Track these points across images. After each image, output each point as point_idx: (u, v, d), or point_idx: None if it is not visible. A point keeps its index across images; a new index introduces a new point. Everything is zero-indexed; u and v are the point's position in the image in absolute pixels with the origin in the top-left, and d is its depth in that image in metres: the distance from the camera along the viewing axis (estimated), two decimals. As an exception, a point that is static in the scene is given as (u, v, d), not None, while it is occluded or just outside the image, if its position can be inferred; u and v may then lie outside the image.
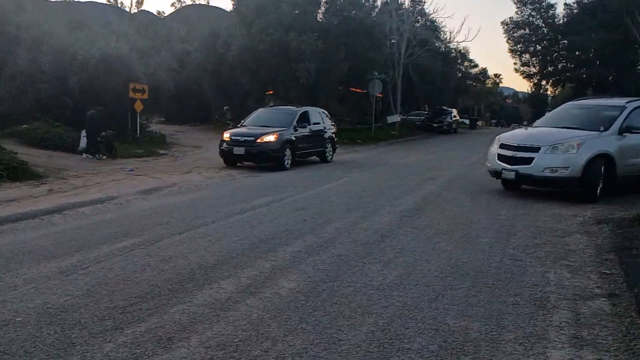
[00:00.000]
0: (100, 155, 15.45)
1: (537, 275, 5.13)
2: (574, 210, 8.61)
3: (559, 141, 9.56)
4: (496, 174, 10.30)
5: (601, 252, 6.02)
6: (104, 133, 16.07)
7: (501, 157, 10.13)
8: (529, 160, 9.60)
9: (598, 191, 9.43)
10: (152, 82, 20.58)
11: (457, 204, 9.08)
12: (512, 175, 9.85)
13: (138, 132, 19.71)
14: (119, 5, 40.70)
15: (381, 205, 8.82)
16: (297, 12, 27.90)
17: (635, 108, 10.03)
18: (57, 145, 15.81)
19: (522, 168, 9.66)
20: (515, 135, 10.63)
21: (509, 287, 4.74)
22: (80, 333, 3.69)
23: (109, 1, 42.38)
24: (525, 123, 27.40)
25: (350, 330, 3.77)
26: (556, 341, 3.67)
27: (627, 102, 10.24)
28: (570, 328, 3.89)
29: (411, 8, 36.82)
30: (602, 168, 9.42)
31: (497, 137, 10.81)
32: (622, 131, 9.64)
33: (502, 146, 10.28)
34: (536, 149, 9.59)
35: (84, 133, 16.30)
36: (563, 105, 12.33)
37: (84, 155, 15.42)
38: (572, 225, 7.51)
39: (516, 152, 9.85)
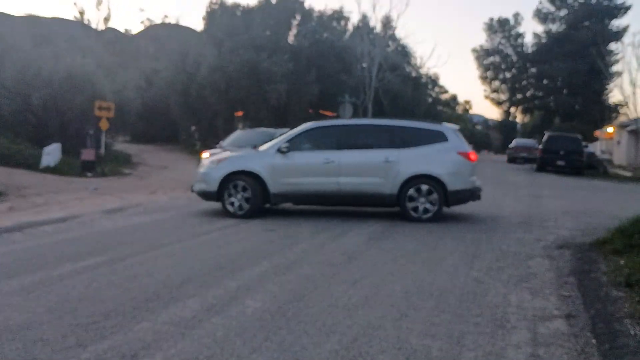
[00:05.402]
0: (90, 174, 15.51)
1: (499, 296, 5.25)
2: (537, 234, 8.81)
3: (213, 158, 10.26)
4: None
5: (561, 275, 6.19)
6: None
7: None
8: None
9: (237, 206, 9.50)
10: (119, 100, 20.42)
11: (424, 227, 9.19)
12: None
13: (103, 150, 19.45)
14: (86, 21, 40.23)
15: (349, 227, 8.89)
16: (268, 33, 28.23)
17: (311, 129, 10.05)
18: (18, 162, 15.48)
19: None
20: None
21: (471, 308, 4.85)
22: (43, 349, 3.65)
23: (75, 17, 41.89)
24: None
25: (315, 349, 3.81)
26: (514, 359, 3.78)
27: (309, 125, 10.24)
28: (528, 347, 4.00)
29: (382, 33, 37.54)
30: (244, 185, 9.48)
31: None
32: (283, 149, 9.60)
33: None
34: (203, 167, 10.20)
35: (46, 151, 16.06)
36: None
37: (89, 174, 15.53)
38: (535, 249, 7.68)
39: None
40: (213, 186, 9.62)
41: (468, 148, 9.97)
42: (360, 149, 9.83)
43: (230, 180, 9.55)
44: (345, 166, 9.60)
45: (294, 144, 9.69)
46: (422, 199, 9.55)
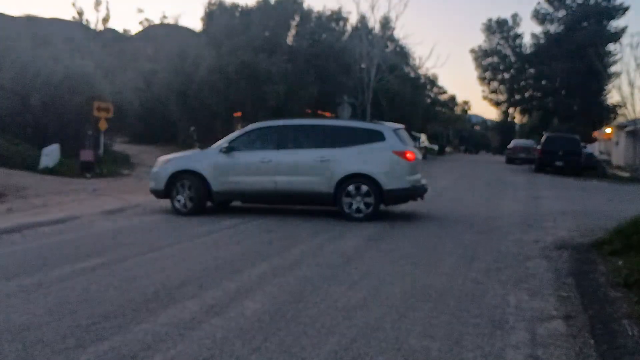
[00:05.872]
0: (89, 175, 15.51)
1: (498, 297, 5.26)
2: (535, 235, 8.81)
3: (164, 157, 10.64)
4: None
5: (560, 276, 6.19)
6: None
7: None
8: None
9: (183, 204, 9.84)
10: (117, 101, 20.37)
11: (422, 228, 9.22)
12: None
13: (102, 151, 19.42)
14: (84, 22, 40.17)
15: (348, 228, 8.88)
16: (267, 34, 28.17)
17: (253, 129, 10.29)
18: (17, 163, 15.44)
19: None
20: None
21: (470, 309, 4.85)
22: (43, 350, 3.65)
23: (74, 18, 41.79)
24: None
25: (314, 350, 3.81)
26: (513, 360, 3.79)
27: (253, 125, 10.52)
28: (527, 348, 4.01)
29: (381, 33, 37.43)
30: (189, 184, 9.79)
31: None
32: (226, 149, 9.90)
33: None
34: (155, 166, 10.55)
35: (45, 151, 16.05)
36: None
37: (88, 175, 15.55)
38: (534, 250, 7.68)
39: None
40: (161, 184, 10.05)
41: (405, 147, 9.92)
42: (298, 149, 9.97)
43: (177, 179, 9.93)
44: (282, 165, 9.80)
45: (235, 144, 10.00)
46: (358, 198, 9.59)
